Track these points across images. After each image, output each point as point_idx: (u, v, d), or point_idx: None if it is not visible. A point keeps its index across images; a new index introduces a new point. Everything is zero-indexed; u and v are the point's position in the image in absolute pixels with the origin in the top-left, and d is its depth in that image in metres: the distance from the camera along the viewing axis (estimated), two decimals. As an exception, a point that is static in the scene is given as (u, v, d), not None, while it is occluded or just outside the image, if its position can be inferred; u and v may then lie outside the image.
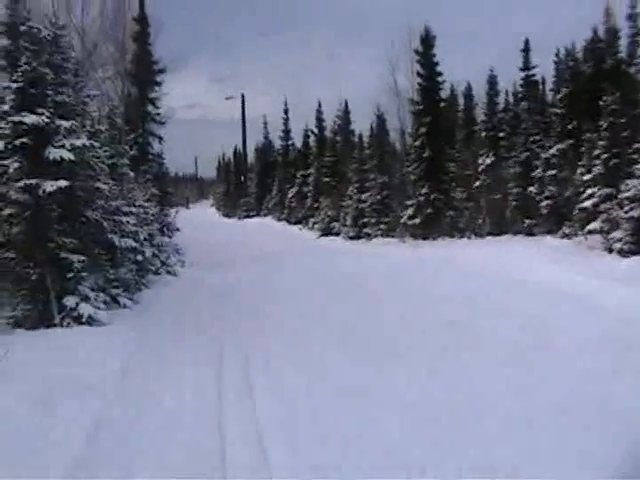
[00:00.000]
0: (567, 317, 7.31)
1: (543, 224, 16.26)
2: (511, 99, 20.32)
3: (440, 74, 20.87)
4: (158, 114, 17.29)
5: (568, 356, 5.65)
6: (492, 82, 20.20)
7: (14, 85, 7.35)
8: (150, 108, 17.11)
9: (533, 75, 19.54)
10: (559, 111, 17.63)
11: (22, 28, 7.81)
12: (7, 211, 7.41)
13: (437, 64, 20.82)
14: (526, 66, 19.35)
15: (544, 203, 16.19)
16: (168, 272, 13.24)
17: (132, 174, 11.89)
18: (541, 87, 20.37)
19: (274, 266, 14.55)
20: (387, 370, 5.42)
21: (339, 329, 7.13)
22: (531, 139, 17.61)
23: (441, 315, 7.65)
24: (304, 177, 32.67)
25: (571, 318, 7.23)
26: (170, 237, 15.90)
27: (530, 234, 16.46)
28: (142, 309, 9.14)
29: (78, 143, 7.49)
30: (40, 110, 7.27)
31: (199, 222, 35.76)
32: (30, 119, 7.13)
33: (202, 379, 5.44)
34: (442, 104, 21.34)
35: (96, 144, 8.33)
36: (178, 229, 17.04)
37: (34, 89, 7.41)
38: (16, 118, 7.18)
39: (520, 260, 11.54)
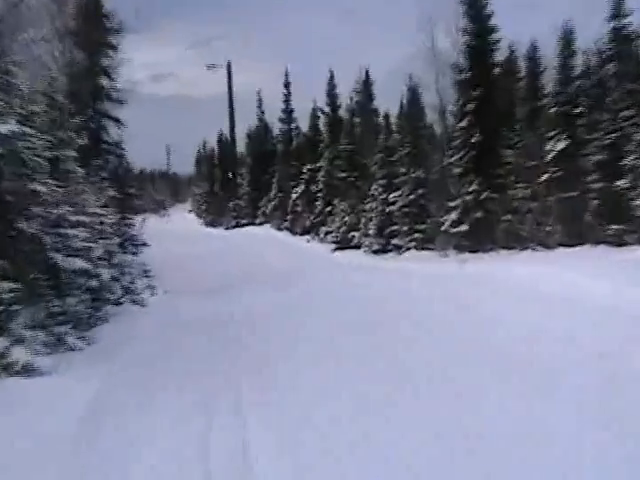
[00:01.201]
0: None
1: (638, 230, 16.01)
2: (593, 61, 19.89)
3: (494, 30, 20.79)
4: (115, 89, 17.22)
5: None
6: (567, 38, 19.66)
7: None
8: (104, 81, 17.03)
9: (626, 26, 18.82)
10: (663, 75, 17.38)
11: None
12: None
13: (490, 16, 20.81)
14: (616, 13, 18.70)
15: (638, 202, 15.96)
16: (134, 302, 13.29)
17: (81, 171, 11.79)
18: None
19: (270, 298, 14.18)
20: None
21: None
22: (621, 115, 17.34)
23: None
24: (312, 172, 32.77)
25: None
26: (135, 254, 15.84)
27: (620, 244, 16.13)
28: (99, 351, 8.98)
29: (3, 130, 7.32)
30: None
31: (174, 234, 35.97)
32: None
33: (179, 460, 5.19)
34: (497, 70, 21.24)
35: (29, 131, 8.17)
36: (146, 244, 17.00)
37: None
38: None
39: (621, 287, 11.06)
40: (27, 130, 8.01)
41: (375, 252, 23.17)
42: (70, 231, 9.71)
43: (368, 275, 17.51)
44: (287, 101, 39.15)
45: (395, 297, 13.04)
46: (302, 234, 32.62)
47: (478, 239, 19.72)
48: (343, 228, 26.27)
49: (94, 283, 10.65)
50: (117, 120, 17.49)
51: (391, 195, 23.11)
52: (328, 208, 29.43)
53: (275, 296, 14.10)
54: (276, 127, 41.91)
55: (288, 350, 8.84)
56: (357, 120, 30.94)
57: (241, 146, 49.51)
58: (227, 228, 45.20)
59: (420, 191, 22.36)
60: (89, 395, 6.88)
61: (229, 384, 7.29)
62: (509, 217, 19.36)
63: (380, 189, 23.62)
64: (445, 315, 10.77)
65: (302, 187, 33.83)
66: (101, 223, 11.87)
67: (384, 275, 17.24)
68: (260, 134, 44.94)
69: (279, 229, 37.03)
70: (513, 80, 22.64)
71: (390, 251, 22.86)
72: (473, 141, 20.50)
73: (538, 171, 18.91)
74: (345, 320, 10.88)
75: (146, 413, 6.34)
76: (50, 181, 9.29)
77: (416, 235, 22.10)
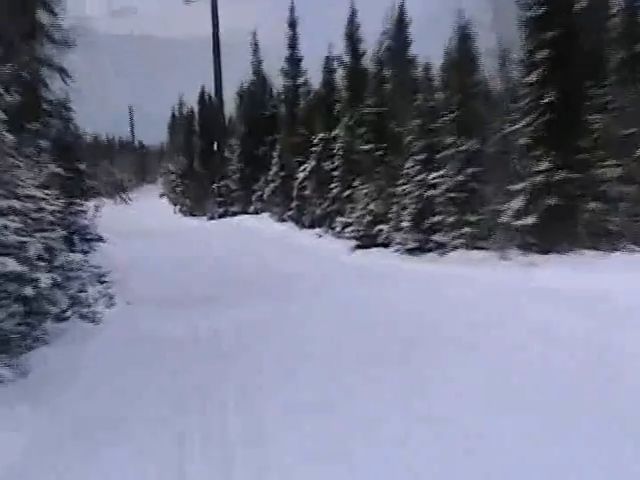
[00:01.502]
0: None
1: None
2: None
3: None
4: (59, 27, 17.13)
5: None
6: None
7: None
8: (43, 17, 16.90)
9: None
10: None
11: None
12: None
13: None
14: None
15: None
16: (83, 316, 13.25)
17: (12, 138, 11.68)
18: None
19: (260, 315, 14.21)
20: None
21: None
22: None
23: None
24: (326, 143, 32.75)
25: None
26: (86, 253, 15.76)
27: None
28: (34, 385, 8.95)
29: None
30: None
31: (139, 227, 36.10)
32: None
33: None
34: (581, 4, 20.93)
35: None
36: (101, 239, 16.95)
37: None
38: None
39: None
40: None
41: (410, 251, 23.14)
42: (-4, 220, 9.59)
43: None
44: (293, 47, 38.88)
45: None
46: (311, 227, 32.67)
47: (551, 235, 19.55)
48: (367, 219, 26.27)
49: (29, 291, 10.42)
50: (62, 70, 17.41)
51: (432, 175, 23.08)
52: (347, 192, 29.56)
53: (270, 311, 14.00)
54: (278, 83, 41.99)
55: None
56: (387, 73, 30.73)
57: (230, 108, 49.66)
58: (211, 218, 45.26)
59: (471, 170, 22.30)
60: (17, 449, 6.80)
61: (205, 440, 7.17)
62: (594, 205, 19.18)
63: (417, 167, 23.62)
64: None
65: (312, 164, 33.93)
66: (40, 210, 11.75)
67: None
68: (256, 92, 45.06)
69: (281, 220, 37.11)
70: (604, 17, 22.40)
71: (430, 250, 22.85)
72: (546, 101, 20.29)
73: (637, 143, 18.68)
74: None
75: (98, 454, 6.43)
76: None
77: (465, 229, 22.01)
